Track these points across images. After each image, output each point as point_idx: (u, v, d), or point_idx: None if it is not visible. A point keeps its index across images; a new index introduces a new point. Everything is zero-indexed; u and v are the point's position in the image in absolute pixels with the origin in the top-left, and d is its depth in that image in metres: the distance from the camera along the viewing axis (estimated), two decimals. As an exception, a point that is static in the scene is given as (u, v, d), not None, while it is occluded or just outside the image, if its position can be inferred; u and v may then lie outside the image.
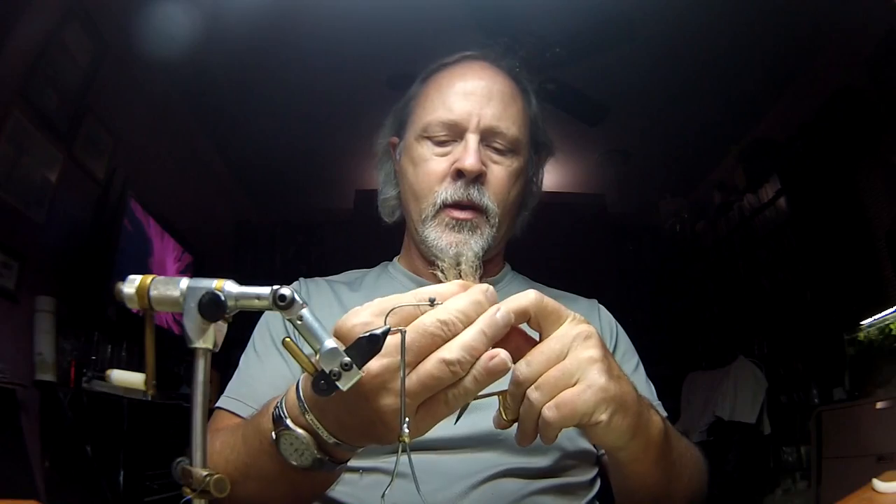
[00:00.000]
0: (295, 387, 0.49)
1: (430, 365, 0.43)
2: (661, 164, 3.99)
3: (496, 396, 0.50)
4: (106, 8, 2.35)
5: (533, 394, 0.46)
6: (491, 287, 0.47)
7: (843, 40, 2.71)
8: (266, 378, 0.76)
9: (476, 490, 0.66)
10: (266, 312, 0.83)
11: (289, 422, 0.47)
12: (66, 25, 2.17)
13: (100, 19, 2.32)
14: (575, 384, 0.46)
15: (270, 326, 0.81)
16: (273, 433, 0.48)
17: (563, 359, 0.47)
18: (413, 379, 0.43)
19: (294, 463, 0.48)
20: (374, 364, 0.42)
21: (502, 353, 0.44)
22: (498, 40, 2.42)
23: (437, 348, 0.43)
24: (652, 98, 3.19)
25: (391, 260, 0.95)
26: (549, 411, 0.46)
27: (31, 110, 2.02)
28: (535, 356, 0.47)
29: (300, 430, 0.47)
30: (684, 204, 4.26)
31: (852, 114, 2.62)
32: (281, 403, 0.49)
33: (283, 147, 3.61)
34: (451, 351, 0.43)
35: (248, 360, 0.80)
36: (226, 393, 0.76)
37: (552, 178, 4.18)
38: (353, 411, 0.45)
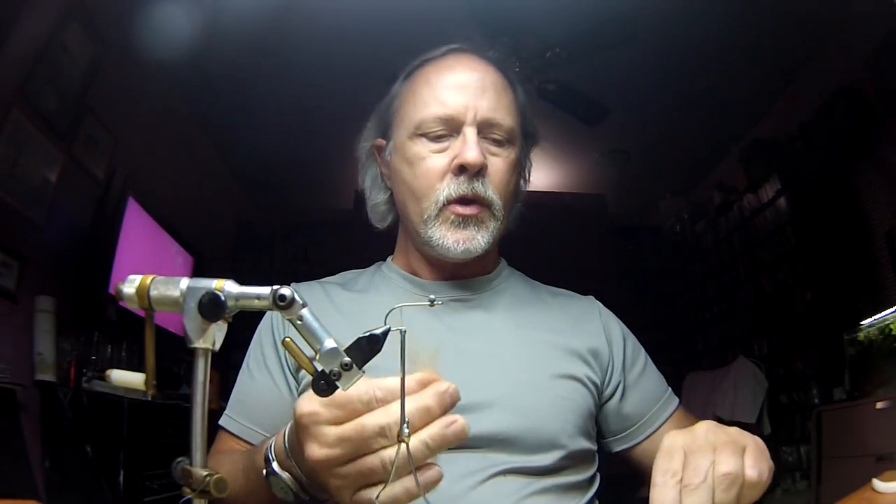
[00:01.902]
0: (283, 433, 0.54)
1: (368, 462, 0.46)
2: (661, 164, 3.99)
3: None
4: (106, 8, 2.34)
5: (727, 467, 0.47)
6: (453, 387, 0.47)
7: (843, 40, 2.71)
8: (258, 397, 0.78)
9: (476, 490, 0.66)
10: (259, 327, 0.83)
11: (275, 465, 0.54)
12: (66, 25, 2.17)
13: (100, 19, 2.32)
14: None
15: (263, 340, 0.81)
16: (264, 471, 0.55)
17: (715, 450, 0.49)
18: (352, 470, 0.46)
19: (281, 497, 0.55)
20: (318, 452, 0.46)
21: (461, 420, 0.46)
22: (498, 40, 2.42)
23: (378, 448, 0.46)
24: (652, 98, 3.19)
25: (385, 260, 0.94)
26: (753, 470, 0.48)
27: (31, 110, 2.02)
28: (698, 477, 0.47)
29: (284, 474, 0.54)
30: (684, 204, 4.26)
31: (852, 114, 2.62)
32: (271, 446, 0.55)
33: (283, 147, 3.61)
34: (392, 453, 0.45)
35: (242, 378, 0.81)
36: (226, 411, 0.79)
37: (552, 178, 4.18)
38: (315, 482, 0.51)
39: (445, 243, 0.76)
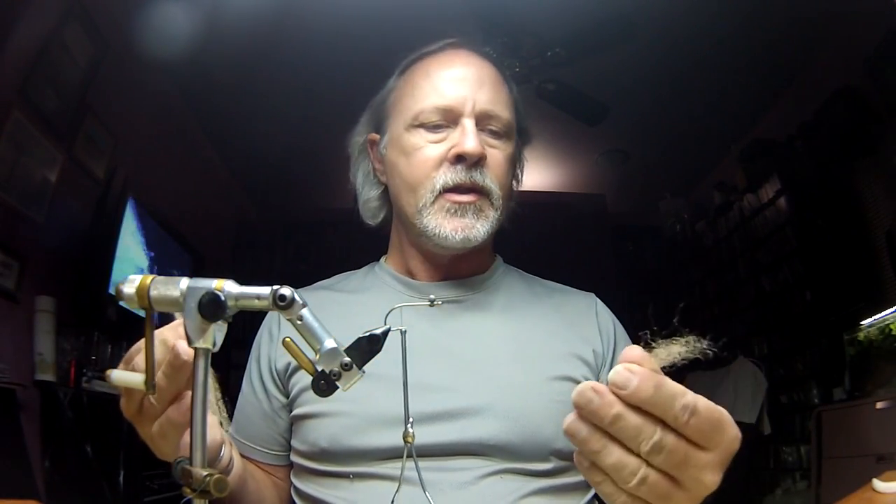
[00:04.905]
0: None
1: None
2: (661, 164, 3.98)
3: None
4: (106, 8, 2.34)
5: None
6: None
7: (843, 40, 2.70)
8: (251, 416, 0.80)
9: (470, 490, 0.65)
10: (255, 342, 0.83)
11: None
12: (66, 25, 2.17)
13: (100, 19, 2.31)
14: None
15: (252, 354, 0.82)
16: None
17: None
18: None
19: None
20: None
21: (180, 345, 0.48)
22: (498, 40, 2.42)
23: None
24: (652, 98, 3.19)
25: (378, 260, 0.92)
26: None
27: (31, 110, 2.02)
28: None
29: None
30: (684, 204, 4.26)
31: (852, 114, 2.62)
32: None
33: (283, 147, 3.61)
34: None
35: (242, 394, 0.83)
36: (232, 427, 0.81)
37: (552, 178, 4.18)
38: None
39: (443, 232, 0.75)
